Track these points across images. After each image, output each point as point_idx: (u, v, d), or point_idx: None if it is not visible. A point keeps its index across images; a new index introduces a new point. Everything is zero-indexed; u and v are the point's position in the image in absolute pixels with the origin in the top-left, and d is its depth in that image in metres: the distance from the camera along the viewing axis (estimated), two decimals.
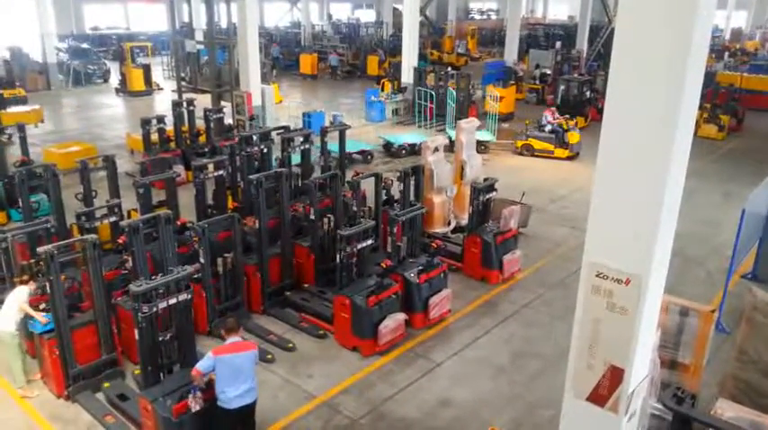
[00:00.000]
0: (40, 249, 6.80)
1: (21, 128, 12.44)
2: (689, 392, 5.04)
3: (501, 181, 10.87)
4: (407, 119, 21.86)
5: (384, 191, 10.68)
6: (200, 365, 5.93)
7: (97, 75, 29.17)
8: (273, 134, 12.57)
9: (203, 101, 17.66)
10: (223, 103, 17.84)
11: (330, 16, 50.11)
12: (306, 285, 9.54)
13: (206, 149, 14.45)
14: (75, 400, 7.11)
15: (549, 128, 17.79)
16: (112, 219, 8.78)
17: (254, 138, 11.80)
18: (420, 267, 8.86)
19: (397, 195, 10.67)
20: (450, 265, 9.99)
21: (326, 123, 17.66)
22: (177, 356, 6.68)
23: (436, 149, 11.63)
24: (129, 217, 9.54)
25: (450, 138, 16.40)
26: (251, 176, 9.47)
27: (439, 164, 11.55)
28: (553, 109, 18.81)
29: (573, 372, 4.72)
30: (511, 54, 28.83)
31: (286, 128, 13.20)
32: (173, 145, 14.71)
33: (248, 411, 6.17)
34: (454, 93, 19.97)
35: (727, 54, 36.69)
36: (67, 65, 28.28)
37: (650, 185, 4.05)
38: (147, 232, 7.70)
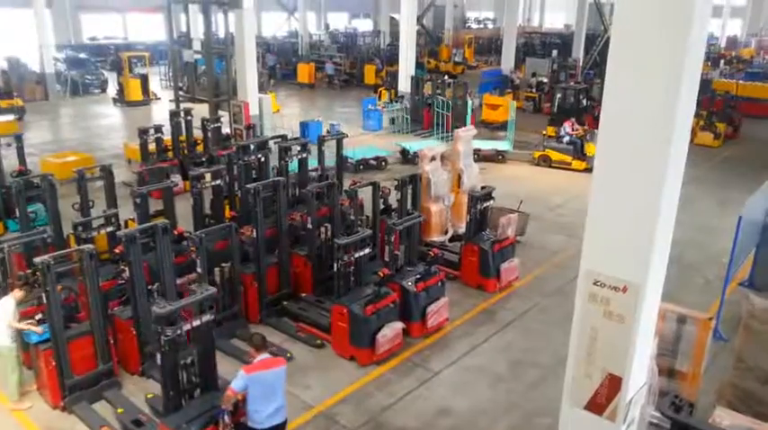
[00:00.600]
0: (36, 259, 6.77)
1: (18, 138, 12.44)
2: (687, 400, 5.03)
3: (498, 189, 10.88)
4: (405, 127, 21.91)
5: (381, 199, 10.69)
6: (234, 385, 5.69)
7: (95, 85, 29.20)
8: (271, 143, 12.58)
9: (201, 110, 17.66)
10: (220, 112, 17.86)
11: (327, 26, 50.30)
12: (303, 294, 9.52)
13: (203, 159, 14.45)
14: (72, 411, 7.06)
15: (567, 139, 17.53)
16: (109, 229, 8.75)
17: (252, 147, 11.80)
18: (417, 276, 8.85)
19: (394, 204, 10.67)
20: (447, 274, 10.00)
21: (324, 132, 17.68)
22: (199, 380, 6.35)
23: (433, 158, 11.65)
24: (126, 227, 9.52)
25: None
26: (248, 186, 9.46)
27: (436, 172, 11.57)
28: (572, 120, 18.44)
29: (571, 381, 4.71)
30: (507, 62, 29.03)
31: (283, 137, 13.21)
32: (170, 154, 14.70)
33: None
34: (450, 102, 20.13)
35: (722, 62, 36.89)
36: (65, 75, 28.30)
37: (647, 193, 4.06)
38: (144, 242, 7.67)
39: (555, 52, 32.84)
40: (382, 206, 10.77)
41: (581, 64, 30.62)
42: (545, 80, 26.92)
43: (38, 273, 6.88)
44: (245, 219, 10.04)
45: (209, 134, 15.17)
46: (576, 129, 17.77)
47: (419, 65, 29.16)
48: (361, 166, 16.67)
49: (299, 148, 11.84)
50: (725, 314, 8.89)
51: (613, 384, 4.46)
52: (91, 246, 7.24)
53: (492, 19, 62.12)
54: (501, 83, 26.84)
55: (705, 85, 22.44)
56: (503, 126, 21.28)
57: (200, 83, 21.32)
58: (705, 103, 21.18)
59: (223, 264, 8.46)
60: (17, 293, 7.20)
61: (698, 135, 19.96)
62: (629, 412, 4.54)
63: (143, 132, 14.09)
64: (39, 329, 7.01)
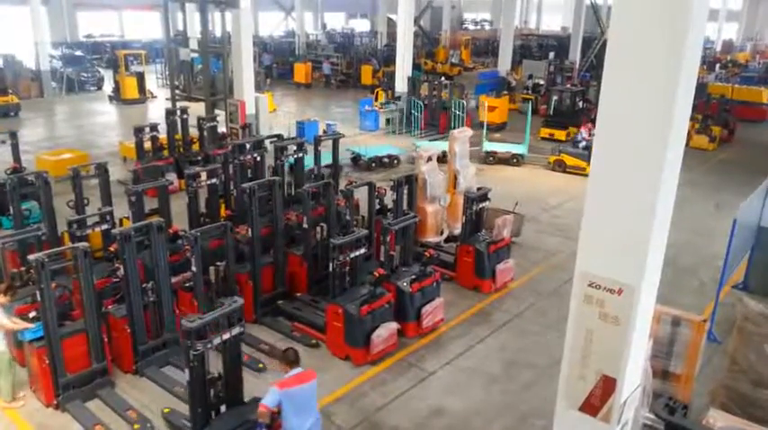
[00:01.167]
0: (30, 257, 6.74)
1: (13, 134, 12.39)
2: (681, 402, 5.05)
3: (494, 190, 10.89)
4: (401, 128, 21.91)
5: (377, 200, 10.68)
6: (267, 401, 5.57)
7: (91, 82, 29.11)
8: (267, 143, 12.57)
9: (197, 109, 17.63)
10: (217, 111, 17.83)
11: (324, 26, 50.31)
12: (298, 294, 9.51)
13: (199, 158, 14.44)
14: (65, 410, 7.04)
15: (583, 144, 17.32)
16: (104, 227, 8.73)
17: (248, 146, 11.79)
18: (413, 276, 8.85)
19: (390, 204, 10.67)
20: (442, 274, 9.99)
21: (320, 132, 17.68)
22: (225, 395, 6.22)
23: (429, 159, 11.65)
24: (120, 225, 9.49)
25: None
26: (244, 185, 9.45)
27: (432, 173, 11.57)
28: (589, 125, 18.17)
29: (565, 382, 4.72)
30: (504, 64, 29.07)
31: (279, 136, 13.20)
32: (166, 153, 14.68)
33: None
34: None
35: (718, 66, 37.06)
36: (61, 72, 28.20)
37: (642, 195, 4.07)
38: (138, 240, 7.65)
39: (552, 54, 32.83)
40: (378, 206, 10.77)
41: (577, 66, 30.69)
42: (541, 82, 26.96)
43: (26, 272, 6.80)
44: (241, 219, 10.02)
45: (205, 133, 15.16)
46: (593, 134, 17.59)
47: (416, 66, 29.17)
48: (374, 164, 16.77)
49: (294, 148, 11.83)
50: (719, 316, 8.92)
51: (608, 386, 4.47)
52: (85, 243, 7.21)
53: (489, 20, 62.19)
54: (497, 84, 26.85)
55: (701, 88, 22.53)
56: (499, 128, 21.36)
57: (196, 81, 21.31)
58: (701, 106, 21.26)
59: (218, 263, 8.44)
60: (0, 299, 7.02)
61: (693, 138, 20.02)
62: (623, 413, 4.54)
63: (139, 130, 14.06)
64: (29, 325, 6.94)
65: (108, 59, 32.60)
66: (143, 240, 7.80)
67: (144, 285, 7.64)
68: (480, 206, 10.44)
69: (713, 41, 47.51)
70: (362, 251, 8.53)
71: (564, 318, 4.71)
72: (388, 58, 31.91)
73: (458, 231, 11.22)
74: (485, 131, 18.29)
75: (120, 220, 9.99)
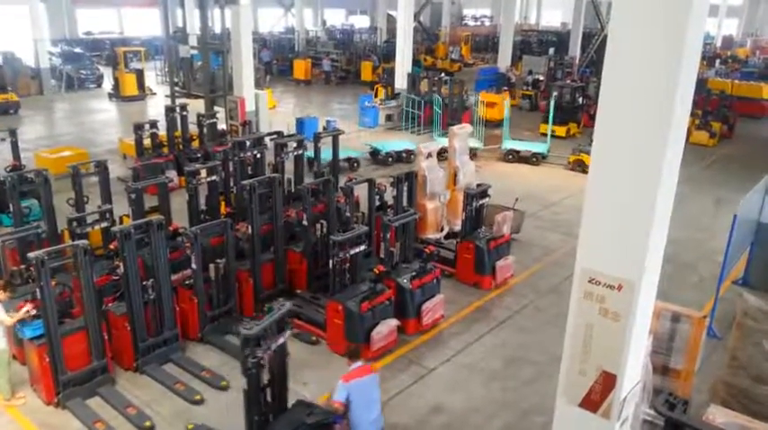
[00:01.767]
0: (30, 255, 6.75)
1: (12, 132, 12.38)
2: (681, 398, 5.05)
3: (494, 187, 10.88)
4: (401, 124, 21.88)
5: (377, 196, 10.68)
6: (337, 397, 5.60)
7: (90, 80, 29.02)
8: (266, 139, 12.55)
9: (196, 106, 17.61)
10: (216, 108, 17.81)
11: (324, 22, 50.15)
12: (298, 291, 9.51)
13: (199, 155, 14.41)
14: (66, 407, 7.05)
15: None
16: (104, 224, 8.73)
17: (248, 143, 11.78)
18: (413, 273, 8.85)
19: (390, 201, 10.67)
20: (443, 271, 9.98)
21: (320, 129, 17.66)
22: (273, 402, 6.01)
23: (429, 155, 11.64)
24: (120, 222, 9.49)
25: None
26: (244, 182, 9.45)
27: (432, 169, 11.56)
28: None
29: (565, 378, 4.72)
30: (504, 60, 29.01)
31: (279, 133, 13.19)
32: (165, 150, 14.66)
33: None
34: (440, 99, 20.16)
35: (718, 61, 36.97)
36: (60, 70, 28.14)
37: (642, 191, 4.07)
38: (138, 238, 7.65)
39: (551, 50, 32.81)
40: (378, 203, 10.76)
41: (577, 62, 30.64)
42: (541, 78, 26.92)
43: (26, 270, 6.76)
44: (241, 216, 10.02)
45: (205, 130, 15.14)
46: None
47: (416, 62, 29.12)
48: (390, 158, 17.01)
49: (294, 145, 11.82)
50: (719, 312, 8.93)
51: (608, 382, 4.47)
52: (85, 241, 7.20)
53: (489, 16, 62.03)
54: (497, 80, 26.81)
55: (701, 84, 22.45)
56: (498, 124, 21.31)
57: (195, 78, 21.27)
58: (701, 102, 21.22)
59: (218, 260, 8.44)
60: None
61: (693, 134, 20.00)
62: (623, 409, 4.55)
63: (138, 128, 14.04)
64: (25, 314, 6.86)
65: (107, 56, 32.50)
66: (143, 238, 7.80)
67: (144, 283, 7.64)
68: (480, 202, 10.43)
69: (713, 37, 47.39)
70: (362, 248, 8.52)
71: (564, 314, 4.72)
72: (388, 55, 31.82)
73: (458, 228, 11.21)
74: (506, 129, 18.41)
75: (120, 218, 9.99)
